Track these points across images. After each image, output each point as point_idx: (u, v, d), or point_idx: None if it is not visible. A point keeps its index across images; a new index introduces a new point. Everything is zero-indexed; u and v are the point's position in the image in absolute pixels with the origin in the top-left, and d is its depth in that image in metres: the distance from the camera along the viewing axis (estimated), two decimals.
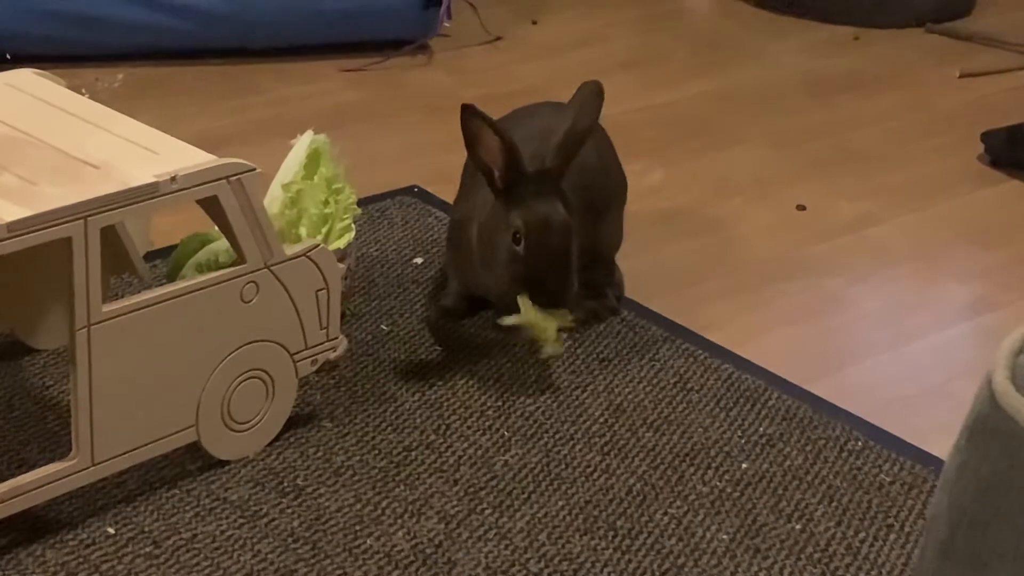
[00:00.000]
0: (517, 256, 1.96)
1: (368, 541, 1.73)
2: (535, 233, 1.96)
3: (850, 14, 3.58)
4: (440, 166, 2.58)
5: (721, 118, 3.04)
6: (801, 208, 2.64)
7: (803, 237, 2.56)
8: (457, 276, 2.19)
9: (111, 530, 1.71)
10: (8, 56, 2.85)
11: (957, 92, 3.24)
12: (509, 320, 1.97)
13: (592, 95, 2.05)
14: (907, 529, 1.81)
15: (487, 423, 1.96)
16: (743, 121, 3.03)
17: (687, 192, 2.70)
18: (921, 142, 2.98)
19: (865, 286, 2.43)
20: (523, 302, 1.96)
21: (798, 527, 1.80)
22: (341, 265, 1.92)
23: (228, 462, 1.84)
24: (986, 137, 2.88)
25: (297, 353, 1.86)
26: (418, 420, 1.95)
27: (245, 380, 1.81)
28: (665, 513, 1.81)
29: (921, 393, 2.12)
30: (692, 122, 3.01)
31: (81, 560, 1.66)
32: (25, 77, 1.92)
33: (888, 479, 1.90)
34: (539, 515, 1.79)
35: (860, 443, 1.96)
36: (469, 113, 1.95)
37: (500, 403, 2.00)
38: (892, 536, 1.79)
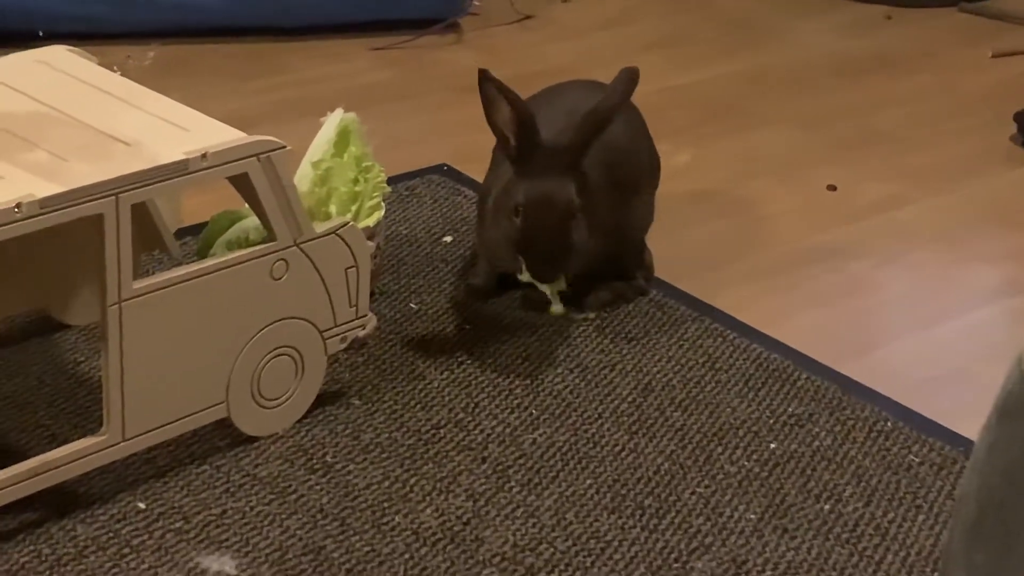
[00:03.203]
0: (514, 227, 1.98)
1: (396, 518, 1.73)
2: (533, 210, 1.97)
3: None
4: (469, 145, 2.58)
5: (749, 99, 3.03)
6: (832, 188, 2.64)
7: (831, 218, 2.55)
8: (485, 253, 2.19)
9: (142, 505, 1.73)
10: (40, 33, 2.86)
11: (989, 72, 3.22)
12: (525, 276, 2.00)
13: (625, 79, 2.06)
14: (936, 510, 1.80)
15: (515, 401, 1.96)
16: (771, 102, 3.02)
17: (715, 173, 2.69)
18: (951, 123, 2.96)
19: (893, 267, 2.42)
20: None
21: (827, 507, 1.80)
22: (370, 243, 1.93)
23: (257, 439, 1.85)
24: (1019, 116, 2.87)
25: (326, 331, 1.86)
26: (446, 398, 1.96)
27: (275, 357, 1.82)
28: (693, 492, 1.81)
29: (950, 374, 2.12)
30: (720, 103, 3.00)
31: (112, 535, 1.68)
32: (57, 54, 1.92)
33: (917, 460, 1.89)
34: (567, 493, 1.79)
35: (889, 424, 1.96)
36: (484, 79, 1.97)
37: (528, 382, 2.01)
38: (921, 517, 1.79)
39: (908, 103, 3.04)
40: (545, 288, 2.09)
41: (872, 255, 2.44)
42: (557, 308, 2.15)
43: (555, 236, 1.98)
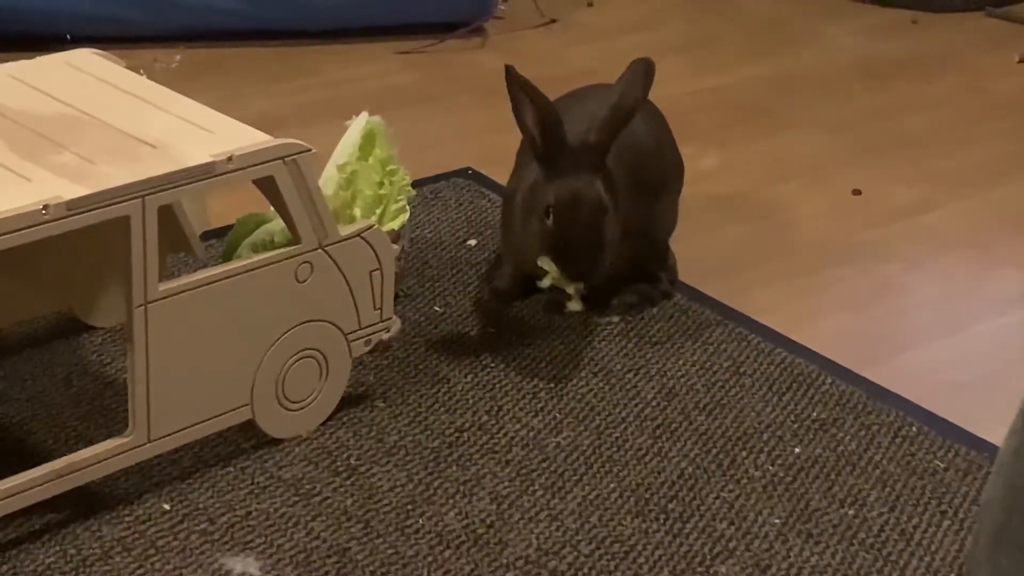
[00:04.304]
0: (547, 229, 1.97)
1: (420, 521, 1.73)
2: (564, 209, 1.97)
3: None
4: (494, 148, 2.58)
5: (776, 102, 3.03)
6: (856, 193, 2.63)
7: (858, 222, 2.54)
8: (510, 256, 2.19)
9: (167, 506, 1.73)
10: (68, 36, 2.87)
11: (1015, 77, 3.21)
12: (545, 282, 2.00)
13: (641, 72, 2.05)
14: (961, 515, 1.80)
15: (539, 405, 1.96)
16: (798, 105, 3.01)
17: (741, 176, 2.69)
18: (978, 127, 2.95)
19: (920, 272, 2.41)
20: (546, 263, 1.99)
21: (851, 512, 1.79)
22: (395, 246, 1.93)
23: (282, 441, 1.85)
24: None
25: (351, 333, 1.87)
26: (470, 401, 1.96)
27: (299, 359, 1.83)
28: (717, 497, 1.81)
29: (976, 379, 2.11)
30: (746, 106, 3.00)
31: (137, 535, 1.68)
32: (84, 57, 1.93)
33: (942, 465, 1.89)
34: (590, 497, 1.79)
35: (914, 429, 1.95)
36: (509, 76, 1.97)
37: (552, 385, 2.01)
38: (946, 522, 1.78)
39: (935, 107, 3.03)
40: (570, 288, 2.09)
41: (899, 259, 2.43)
42: (575, 305, 2.14)
43: (588, 234, 1.98)
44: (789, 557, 1.71)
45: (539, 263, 2.02)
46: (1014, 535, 1.20)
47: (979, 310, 2.31)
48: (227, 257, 1.94)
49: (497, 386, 2.00)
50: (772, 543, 1.74)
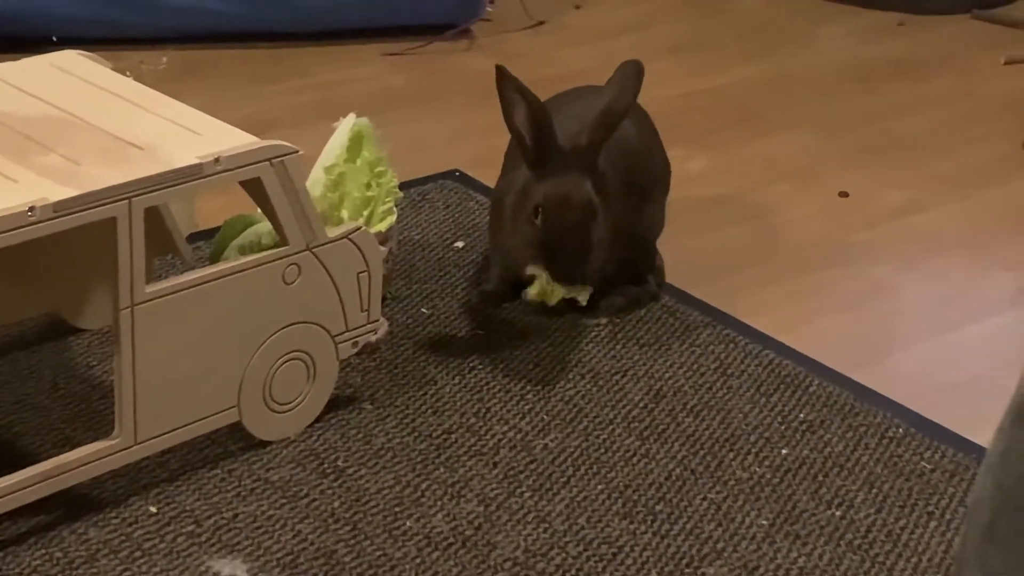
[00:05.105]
0: (535, 229, 1.97)
1: (408, 523, 1.73)
2: (553, 209, 1.97)
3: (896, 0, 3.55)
4: (482, 150, 2.58)
5: (766, 104, 3.03)
6: (843, 195, 2.63)
7: (849, 224, 2.54)
8: (498, 258, 2.19)
9: (153, 509, 1.73)
10: (55, 38, 2.87)
11: (1003, 79, 3.22)
12: (532, 292, 2.01)
13: (631, 74, 2.05)
14: (948, 517, 1.80)
15: (527, 407, 1.96)
16: (788, 107, 3.01)
17: (731, 178, 2.69)
18: (967, 129, 2.95)
19: (911, 274, 2.41)
20: (535, 270, 2.00)
21: (838, 514, 1.79)
22: (383, 248, 1.93)
23: (269, 443, 1.85)
24: None
25: (338, 335, 1.86)
26: (458, 403, 1.96)
27: (287, 361, 1.82)
28: (704, 498, 1.81)
29: (965, 381, 2.11)
30: (737, 108, 3.00)
31: (123, 538, 1.68)
32: (70, 59, 1.93)
33: (929, 467, 1.89)
34: (578, 499, 1.79)
35: (901, 430, 1.95)
36: (501, 75, 1.96)
37: (540, 387, 2.00)
38: (933, 524, 1.79)
39: (925, 109, 3.04)
40: (552, 301, 2.08)
41: (890, 261, 2.43)
42: (583, 297, 2.11)
43: (576, 235, 1.98)
44: (776, 559, 1.71)
45: (528, 270, 2.02)
46: (1003, 534, 1.20)
47: (970, 312, 2.31)
48: (214, 259, 1.94)
49: (485, 388, 1.99)
50: (759, 544, 1.73)
